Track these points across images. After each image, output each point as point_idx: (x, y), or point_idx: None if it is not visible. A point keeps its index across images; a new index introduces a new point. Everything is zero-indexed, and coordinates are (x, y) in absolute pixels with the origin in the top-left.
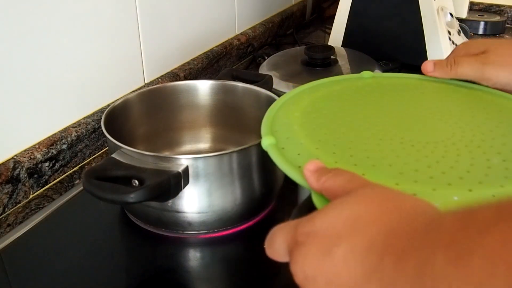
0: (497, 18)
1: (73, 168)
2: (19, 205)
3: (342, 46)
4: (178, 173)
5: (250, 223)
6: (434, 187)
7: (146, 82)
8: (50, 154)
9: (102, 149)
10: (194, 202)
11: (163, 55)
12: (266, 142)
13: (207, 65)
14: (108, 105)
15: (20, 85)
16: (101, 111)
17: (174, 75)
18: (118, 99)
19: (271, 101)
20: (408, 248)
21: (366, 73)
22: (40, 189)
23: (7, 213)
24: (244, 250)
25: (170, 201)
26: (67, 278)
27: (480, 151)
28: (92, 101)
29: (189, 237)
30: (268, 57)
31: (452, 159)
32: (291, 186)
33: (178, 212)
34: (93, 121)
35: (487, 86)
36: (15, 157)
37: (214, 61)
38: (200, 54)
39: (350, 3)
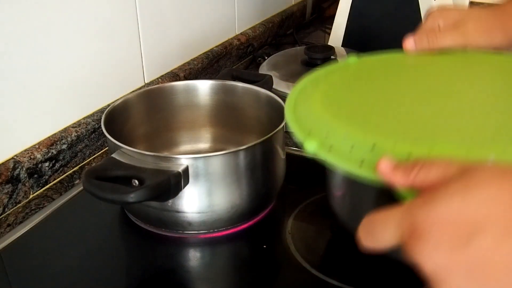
0: None
1: (73, 168)
2: (19, 205)
3: (342, 46)
4: (178, 173)
5: (250, 223)
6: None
7: (146, 82)
8: (50, 154)
9: (102, 149)
10: (194, 202)
11: (163, 55)
12: (312, 146)
13: (207, 65)
14: (108, 105)
15: (20, 85)
16: (101, 111)
17: (174, 75)
18: (118, 99)
19: (271, 101)
20: None
21: (351, 58)
22: (40, 189)
23: (7, 213)
24: (244, 250)
25: (170, 201)
26: (67, 278)
27: None
28: (92, 101)
29: (189, 237)
30: (268, 57)
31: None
32: (290, 186)
33: (178, 212)
34: (93, 121)
35: None
36: (15, 157)
37: (214, 61)
38: (200, 54)
39: (350, 3)
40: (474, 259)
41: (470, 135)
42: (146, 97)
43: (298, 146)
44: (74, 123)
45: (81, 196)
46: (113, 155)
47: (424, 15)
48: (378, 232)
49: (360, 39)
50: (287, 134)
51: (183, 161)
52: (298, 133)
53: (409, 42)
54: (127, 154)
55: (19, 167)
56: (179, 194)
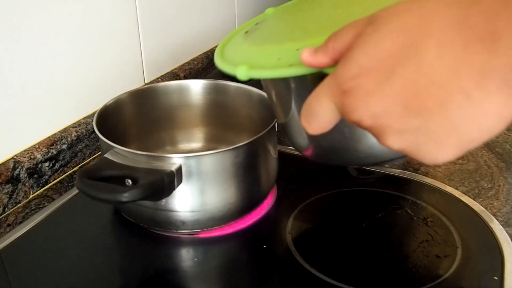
0: None
1: (73, 168)
2: (19, 205)
3: None
4: (172, 172)
5: (250, 223)
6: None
7: (146, 82)
8: (50, 154)
9: None
10: (187, 201)
11: (163, 55)
12: (243, 71)
13: (207, 65)
14: None
15: (20, 85)
16: None
17: (174, 75)
18: (110, 99)
19: (263, 100)
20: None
21: (270, 9)
22: (40, 189)
23: (7, 213)
24: (244, 250)
25: (163, 200)
26: (67, 278)
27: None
28: (92, 101)
29: (188, 237)
30: None
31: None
32: (290, 186)
33: (172, 211)
34: (93, 121)
35: None
36: (15, 157)
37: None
38: (200, 54)
39: None
40: (405, 89)
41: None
42: (138, 96)
43: None
44: (74, 123)
45: (81, 196)
46: (106, 155)
47: None
48: (315, 110)
49: None
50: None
51: (176, 160)
52: (227, 67)
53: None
54: (120, 154)
55: (19, 167)
56: (172, 193)
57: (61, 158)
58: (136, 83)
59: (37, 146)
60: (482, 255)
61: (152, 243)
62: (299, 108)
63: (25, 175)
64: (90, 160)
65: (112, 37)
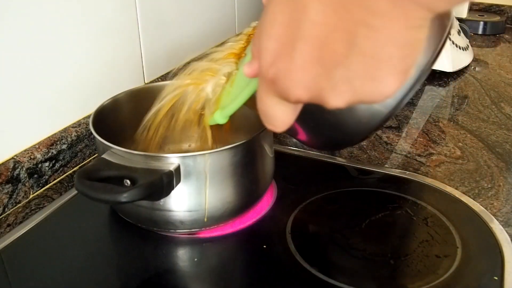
0: (497, 18)
1: (73, 168)
2: (19, 205)
3: None
4: (170, 171)
5: (250, 223)
6: None
7: (146, 82)
8: (50, 154)
9: None
10: (186, 201)
11: (163, 55)
12: (218, 115)
13: None
14: None
15: (20, 85)
16: None
17: (174, 75)
18: (106, 100)
19: None
20: None
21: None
22: (40, 189)
23: (7, 213)
24: (244, 250)
25: (161, 200)
26: (67, 278)
27: None
28: (92, 101)
29: (183, 236)
30: None
31: None
32: (290, 186)
33: (170, 211)
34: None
35: None
36: (15, 157)
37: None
38: (200, 54)
39: None
40: (311, 49)
41: None
42: (135, 96)
43: (298, 146)
44: (74, 123)
45: (81, 196)
46: (103, 156)
47: None
48: (266, 111)
49: None
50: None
51: (174, 160)
52: (211, 120)
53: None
54: (118, 154)
55: (19, 167)
56: (170, 193)
57: (61, 158)
58: (136, 83)
59: (37, 146)
60: (482, 255)
61: (152, 243)
62: None
63: (25, 175)
64: (90, 160)
65: (112, 37)
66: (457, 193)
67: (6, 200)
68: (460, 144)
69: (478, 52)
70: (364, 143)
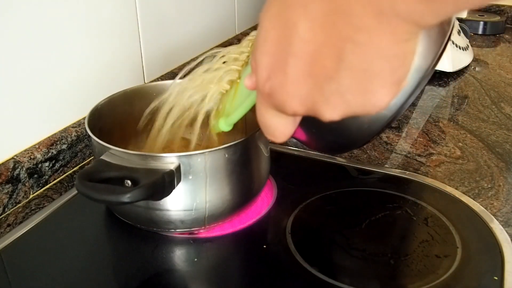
0: (497, 18)
1: (73, 168)
2: (19, 205)
3: None
4: (171, 171)
5: (250, 223)
6: None
7: (146, 82)
8: (50, 154)
9: None
10: (186, 200)
11: (163, 55)
12: (223, 123)
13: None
14: None
15: (20, 85)
16: None
17: (174, 75)
18: (102, 100)
19: None
20: None
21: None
22: (40, 189)
23: (7, 213)
24: (244, 250)
25: (162, 200)
26: (67, 278)
27: None
28: (92, 101)
29: (184, 236)
30: None
31: None
32: (290, 186)
33: (171, 210)
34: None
35: None
36: (15, 157)
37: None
38: (200, 54)
39: None
40: (303, 64)
41: None
42: (131, 96)
43: (298, 146)
44: (74, 123)
45: (81, 196)
46: (102, 157)
47: None
48: (266, 123)
49: None
50: None
51: (174, 159)
52: (216, 128)
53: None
54: (117, 155)
55: (19, 167)
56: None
57: (61, 158)
58: (136, 83)
59: (37, 146)
60: (482, 255)
61: (151, 243)
62: None
63: (25, 175)
64: (90, 160)
65: (112, 37)
66: (457, 193)
67: (6, 200)
68: (460, 144)
69: (478, 52)
70: None
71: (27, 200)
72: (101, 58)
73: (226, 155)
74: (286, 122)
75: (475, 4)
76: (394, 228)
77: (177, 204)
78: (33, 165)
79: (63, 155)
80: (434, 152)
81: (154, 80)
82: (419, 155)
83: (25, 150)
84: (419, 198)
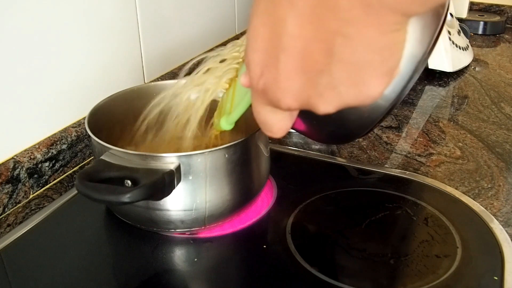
0: (497, 18)
1: (73, 168)
2: (19, 205)
3: None
4: (172, 171)
5: (250, 223)
6: None
7: (146, 82)
8: (50, 154)
9: None
10: (187, 200)
11: (163, 55)
12: (224, 121)
13: None
14: None
15: (20, 85)
16: None
17: (174, 75)
18: (101, 100)
19: None
20: None
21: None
22: (40, 189)
23: (7, 213)
24: (244, 250)
25: (162, 200)
26: (67, 278)
27: None
28: (92, 101)
29: (184, 236)
30: None
31: None
32: (290, 186)
33: (171, 210)
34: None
35: None
36: (15, 157)
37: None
38: (200, 54)
39: None
40: (294, 59)
41: None
42: (130, 97)
43: (298, 146)
44: (74, 123)
45: (81, 196)
46: (102, 157)
47: None
48: (263, 120)
49: None
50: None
51: (173, 159)
52: (218, 127)
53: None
54: (117, 155)
55: (19, 167)
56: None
57: (61, 158)
58: (136, 83)
59: (37, 146)
60: (482, 255)
61: (151, 243)
62: None
63: (25, 175)
64: (90, 160)
65: (112, 37)
66: (457, 193)
67: (6, 200)
68: (460, 144)
69: (478, 52)
70: (364, 143)
71: (27, 200)
72: (101, 58)
73: (226, 155)
74: (282, 117)
75: None
76: (394, 228)
77: (177, 204)
78: (33, 165)
79: (63, 155)
80: (434, 152)
81: (154, 80)
82: (419, 155)
83: (25, 150)
84: (419, 198)
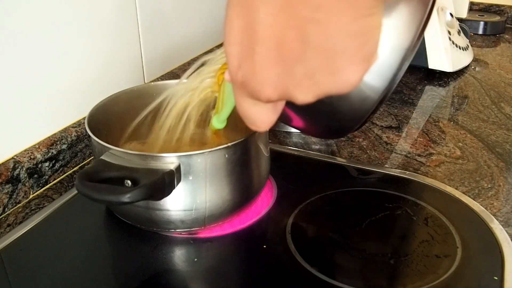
0: (497, 18)
1: (73, 168)
2: (19, 205)
3: None
4: (172, 171)
5: (250, 223)
6: None
7: (146, 82)
8: (50, 154)
9: None
10: (187, 200)
11: (163, 55)
12: (215, 120)
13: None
14: None
15: (20, 85)
16: None
17: (174, 75)
18: (100, 101)
19: None
20: None
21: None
22: (40, 189)
23: (7, 213)
24: (244, 250)
25: (162, 200)
26: (67, 278)
27: None
28: (92, 101)
29: (184, 236)
30: None
31: None
32: (290, 186)
33: (171, 210)
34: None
35: None
36: (15, 157)
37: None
38: (200, 54)
39: None
40: (269, 48)
41: None
42: (130, 97)
43: (298, 146)
44: (74, 123)
45: (81, 196)
46: (102, 157)
47: None
48: (245, 113)
49: None
50: (287, 134)
51: (173, 159)
52: (212, 126)
53: None
54: (117, 155)
55: (19, 167)
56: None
57: (61, 158)
58: (136, 83)
59: (37, 146)
60: (482, 255)
61: (151, 243)
62: None
63: (25, 175)
64: (90, 160)
65: (112, 37)
66: (457, 193)
67: (6, 200)
68: (460, 144)
69: (478, 52)
70: (364, 143)
71: (27, 200)
72: (101, 58)
73: (226, 155)
74: (265, 110)
75: None
76: (394, 228)
77: (177, 204)
78: (33, 165)
79: (63, 155)
80: (434, 152)
81: (154, 80)
82: (419, 155)
83: (25, 150)
84: (419, 198)
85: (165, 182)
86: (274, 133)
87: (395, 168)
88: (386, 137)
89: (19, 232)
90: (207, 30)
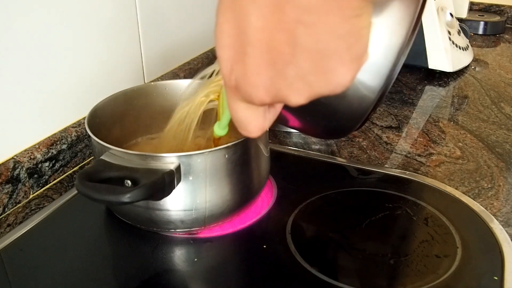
0: (497, 18)
1: (73, 168)
2: (19, 205)
3: None
4: (172, 171)
5: (250, 223)
6: None
7: (146, 82)
8: (50, 154)
9: None
10: (187, 200)
11: (163, 55)
12: (216, 127)
13: (207, 65)
14: None
15: (20, 85)
16: None
17: (174, 75)
18: (100, 101)
19: None
20: None
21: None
22: (40, 189)
23: (7, 213)
24: (244, 250)
25: (162, 200)
26: (67, 278)
27: None
28: (92, 101)
29: (184, 236)
30: None
31: None
32: (290, 186)
33: (171, 210)
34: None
35: None
36: (15, 157)
37: (214, 61)
38: (200, 54)
39: None
40: (260, 52)
41: None
42: (130, 97)
43: (298, 146)
44: (74, 123)
45: (80, 196)
46: (102, 157)
47: None
48: (238, 118)
49: None
50: (287, 134)
51: (173, 159)
52: (215, 134)
53: None
54: (117, 155)
55: (19, 167)
56: (171, 193)
57: (61, 158)
58: (136, 83)
59: (37, 146)
60: (482, 255)
61: (151, 243)
62: None
63: (25, 175)
64: (90, 160)
65: (112, 37)
66: (457, 193)
67: (6, 200)
68: (460, 144)
69: (478, 52)
70: (364, 143)
71: (27, 200)
72: (101, 58)
73: (226, 155)
74: (257, 114)
75: None
76: (394, 228)
77: (177, 204)
78: (33, 165)
79: (63, 155)
80: (434, 152)
81: (154, 80)
82: (419, 155)
83: (25, 150)
84: (419, 198)
85: (165, 182)
86: (274, 133)
87: (395, 168)
88: (386, 137)
89: (19, 232)
90: (207, 30)
